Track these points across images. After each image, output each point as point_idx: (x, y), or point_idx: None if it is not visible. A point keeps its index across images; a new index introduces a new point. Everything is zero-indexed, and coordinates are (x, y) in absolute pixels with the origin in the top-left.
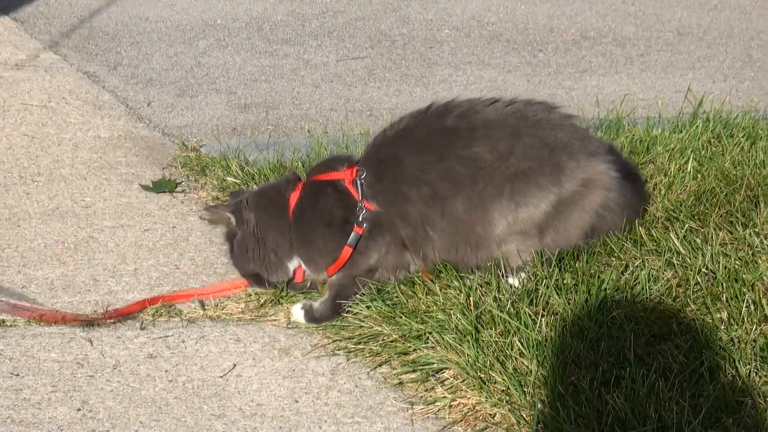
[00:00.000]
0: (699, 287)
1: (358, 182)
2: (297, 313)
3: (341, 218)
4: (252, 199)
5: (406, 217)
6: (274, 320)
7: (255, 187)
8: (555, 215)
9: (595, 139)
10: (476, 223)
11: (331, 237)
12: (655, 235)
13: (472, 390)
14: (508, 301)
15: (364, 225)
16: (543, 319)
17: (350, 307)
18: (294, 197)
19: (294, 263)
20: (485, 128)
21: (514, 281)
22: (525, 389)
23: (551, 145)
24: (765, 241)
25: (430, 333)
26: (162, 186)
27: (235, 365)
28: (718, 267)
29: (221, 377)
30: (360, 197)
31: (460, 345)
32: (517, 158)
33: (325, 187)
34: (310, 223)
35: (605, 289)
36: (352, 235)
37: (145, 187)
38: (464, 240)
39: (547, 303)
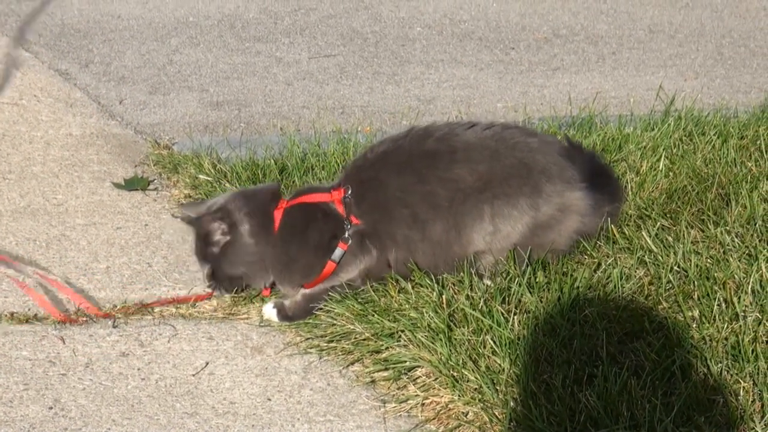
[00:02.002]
0: (671, 285)
1: (346, 200)
2: (269, 312)
3: (329, 239)
4: (239, 204)
5: (392, 238)
6: (247, 318)
7: (223, 192)
8: (531, 237)
9: (570, 166)
10: (453, 242)
11: (316, 259)
12: (627, 233)
13: (445, 388)
14: (480, 299)
15: (350, 241)
16: (515, 317)
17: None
18: (278, 216)
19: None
20: (465, 150)
21: (487, 281)
22: (498, 387)
23: (530, 166)
24: (736, 240)
25: (402, 331)
26: (134, 184)
27: (207, 363)
28: (690, 265)
29: (194, 375)
30: (347, 213)
31: (432, 343)
32: (497, 179)
33: (314, 210)
34: (297, 248)
35: (578, 287)
36: (337, 250)
37: (118, 185)
38: (442, 259)
39: (520, 301)
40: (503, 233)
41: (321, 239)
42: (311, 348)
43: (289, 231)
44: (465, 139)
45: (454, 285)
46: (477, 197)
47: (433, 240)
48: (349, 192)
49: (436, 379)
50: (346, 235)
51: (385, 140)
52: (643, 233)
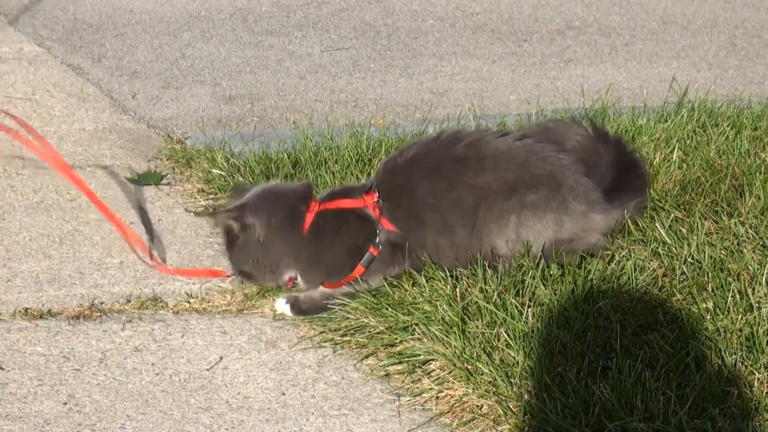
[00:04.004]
0: (685, 277)
1: (378, 204)
2: (282, 306)
3: (363, 243)
4: (258, 203)
5: (422, 245)
6: (261, 313)
7: (260, 183)
8: (549, 249)
9: (596, 188)
10: (475, 246)
11: (347, 262)
12: (640, 224)
13: (459, 381)
14: (494, 292)
15: (380, 247)
16: (529, 310)
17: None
18: (309, 218)
19: (291, 273)
20: (494, 158)
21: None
22: (512, 380)
23: (560, 181)
24: (750, 231)
25: (416, 324)
26: (147, 178)
27: (221, 358)
28: (704, 257)
29: (208, 370)
30: (379, 217)
31: (446, 336)
32: (525, 187)
33: (348, 214)
34: (329, 248)
35: (591, 280)
36: (367, 255)
37: (131, 180)
38: (463, 262)
39: (534, 294)
40: (524, 241)
41: (356, 243)
42: (325, 342)
43: (323, 232)
44: (495, 146)
45: (467, 278)
46: (502, 205)
47: (458, 245)
48: (380, 196)
49: (450, 372)
50: (377, 240)
51: (414, 143)
52: (657, 225)
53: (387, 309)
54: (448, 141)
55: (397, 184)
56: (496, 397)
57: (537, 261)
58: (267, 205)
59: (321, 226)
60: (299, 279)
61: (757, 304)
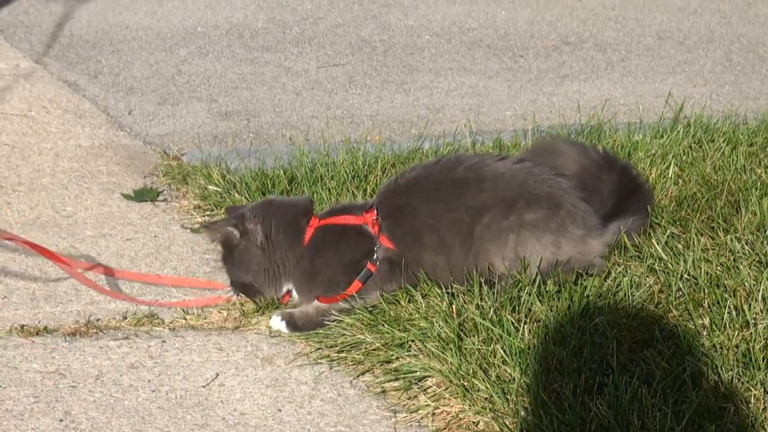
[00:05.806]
0: (681, 293)
1: (378, 222)
2: (277, 324)
3: (360, 259)
4: (258, 211)
5: (419, 263)
6: (257, 329)
7: (231, 202)
8: (547, 269)
9: (594, 214)
10: (472, 266)
11: (343, 277)
12: (637, 240)
13: (455, 398)
14: (490, 308)
15: (378, 263)
16: (526, 327)
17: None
18: (309, 232)
19: (288, 285)
20: (493, 179)
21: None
22: (508, 397)
23: (558, 202)
24: (746, 247)
25: (412, 341)
26: (143, 195)
27: (217, 374)
28: (700, 273)
29: (204, 387)
30: (378, 234)
31: (442, 353)
32: (524, 207)
33: (347, 230)
34: (326, 263)
35: (588, 296)
36: (365, 271)
37: (127, 196)
38: (460, 280)
39: (530, 310)
40: (523, 259)
41: (353, 258)
42: (321, 358)
43: (321, 246)
44: (494, 169)
45: (463, 294)
46: (500, 224)
47: (455, 264)
48: (379, 214)
49: (446, 388)
50: (375, 257)
51: (415, 167)
52: (653, 241)
53: (383, 325)
54: (449, 164)
55: (397, 204)
56: (492, 414)
57: (533, 279)
58: (266, 213)
59: (320, 240)
60: (294, 292)
61: (753, 320)
